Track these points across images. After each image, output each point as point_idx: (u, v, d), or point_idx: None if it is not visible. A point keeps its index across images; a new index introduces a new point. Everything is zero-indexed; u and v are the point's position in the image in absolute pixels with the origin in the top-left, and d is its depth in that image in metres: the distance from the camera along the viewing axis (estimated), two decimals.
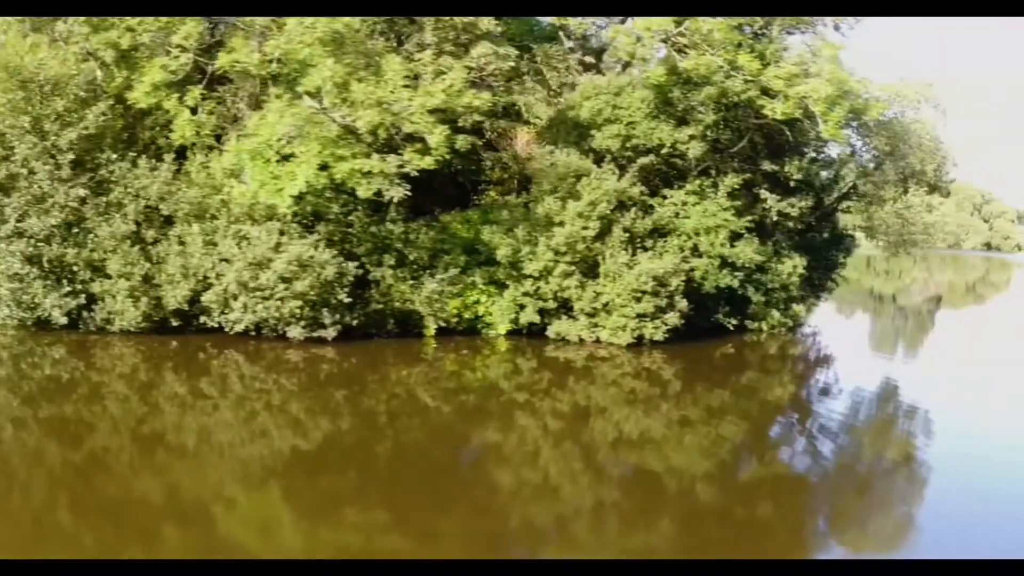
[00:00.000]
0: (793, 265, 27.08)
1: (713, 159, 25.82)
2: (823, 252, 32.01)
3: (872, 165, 31.75)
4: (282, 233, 21.14)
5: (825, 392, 22.20)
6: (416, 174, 19.54)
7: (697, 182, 25.47)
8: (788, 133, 25.24)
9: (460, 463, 14.52)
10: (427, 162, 19.23)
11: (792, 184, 26.62)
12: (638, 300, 23.16)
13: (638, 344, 23.64)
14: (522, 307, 23.79)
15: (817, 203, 30.74)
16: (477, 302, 23.83)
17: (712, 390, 21.13)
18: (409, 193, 20.05)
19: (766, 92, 23.63)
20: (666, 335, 23.61)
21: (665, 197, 25.61)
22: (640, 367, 22.49)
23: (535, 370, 22.11)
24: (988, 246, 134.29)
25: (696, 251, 25.14)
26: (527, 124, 26.80)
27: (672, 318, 23.58)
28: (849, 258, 34.29)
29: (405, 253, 22.94)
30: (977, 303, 60.45)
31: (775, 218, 26.58)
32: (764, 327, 27.11)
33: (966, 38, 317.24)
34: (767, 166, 26.28)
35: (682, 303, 23.86)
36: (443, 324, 23.44)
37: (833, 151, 31.35)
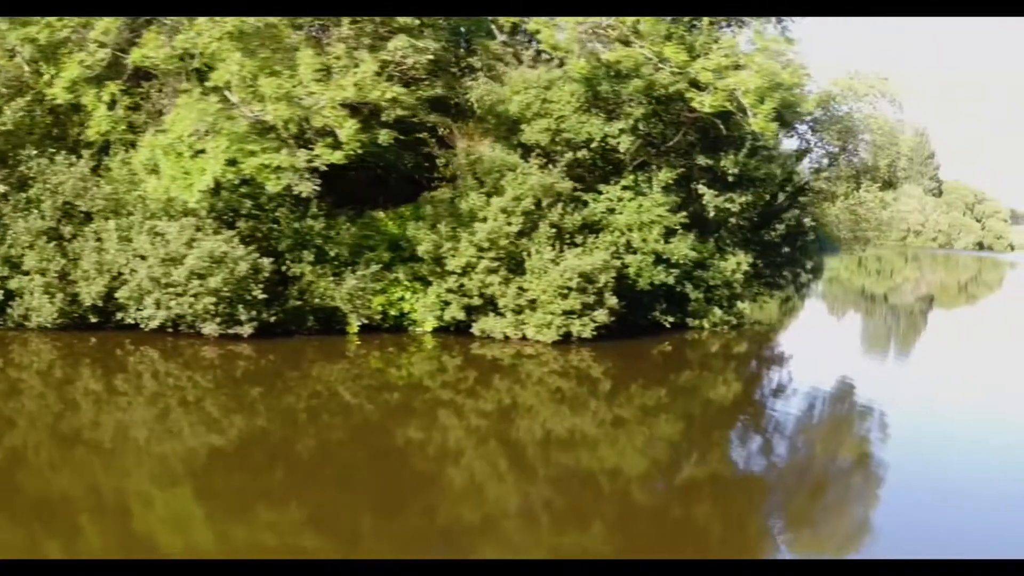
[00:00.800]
0: (737, 262, 27.77)
1: (648, 154, 26.47)
2: (778, 249, 32.66)
3: (826, 161, 32.43)
4: (198, 229, 21.82)
5: (775, 392, 22.99)
6: (325, 168, 20.18)
7: (631, 177, 26.09)
8: (722, 127, 25.81)
9: (382, 461, 15.06)
10: (337, 156, 19.91)
11: (731, 179, 27.13)
12: (564, 297, 23.88)
13: (565, 341, 24.39)
14: (447, 304, 24.36)
15: (772, 199, 31.37)
16: (402, 299, 24.64)
17: (648, 388, 21.94)
18: (318, 188, 20.67)
19: (695, 85, 24.19)
20: (595, 332, 24.31)
21: (600, 193, 26.19)
22: (568, 365, 23.26)
23: (460, 368, 22.83)
24: (980, 246, 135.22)
25: (630, 247, 25.69)
26: (481, 120, 27.33)
27: (601, 315, 24.29)
28: (808, 256, 34.84)
29: (325, 249, 23.61)
30: (969, 302, 61.01)
31: (712, 213, 27.10)
32: (705, 325, 27.76)
33: (967, 38, 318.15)
34: (702, 161, 26.87)
35: (612, 300, 24.53)
36: (367, 321, 24.26)
37: (787, 146, 32.11)
